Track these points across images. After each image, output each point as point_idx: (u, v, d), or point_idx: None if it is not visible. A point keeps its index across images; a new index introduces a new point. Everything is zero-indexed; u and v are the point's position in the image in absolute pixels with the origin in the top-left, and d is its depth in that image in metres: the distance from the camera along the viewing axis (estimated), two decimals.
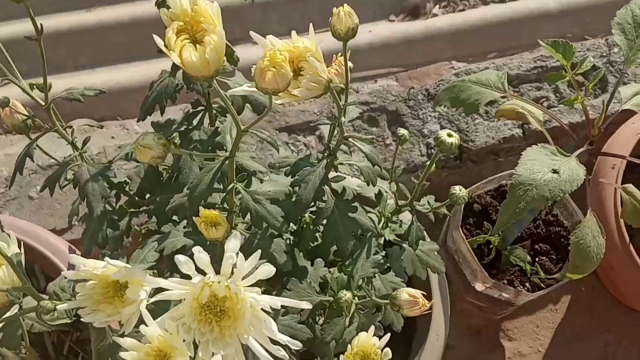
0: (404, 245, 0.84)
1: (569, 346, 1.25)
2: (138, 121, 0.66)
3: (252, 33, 0.47)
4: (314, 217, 0.73)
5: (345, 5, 0.54)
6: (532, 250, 1.11)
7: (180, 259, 0.45)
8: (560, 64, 1.31)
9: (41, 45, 0.60)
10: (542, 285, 1.06)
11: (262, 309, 0.46)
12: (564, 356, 1.24)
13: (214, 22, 0.43)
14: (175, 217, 0.73)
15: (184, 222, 0.73)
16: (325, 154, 0.64)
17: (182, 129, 0.69)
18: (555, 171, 0.70)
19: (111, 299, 0.47)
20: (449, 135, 0.62)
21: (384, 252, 0.86)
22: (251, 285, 0.47)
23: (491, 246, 1.09)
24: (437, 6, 1.94)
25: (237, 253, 0.45)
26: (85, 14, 1.87)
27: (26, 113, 0.78)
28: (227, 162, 0.56)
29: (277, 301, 0.46)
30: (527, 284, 1.07)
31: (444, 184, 1.30)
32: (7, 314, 0.52)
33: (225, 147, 0.64)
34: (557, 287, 1.01)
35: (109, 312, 0.46)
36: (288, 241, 0.84)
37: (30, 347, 0.67)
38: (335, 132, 0.73)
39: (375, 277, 0.82)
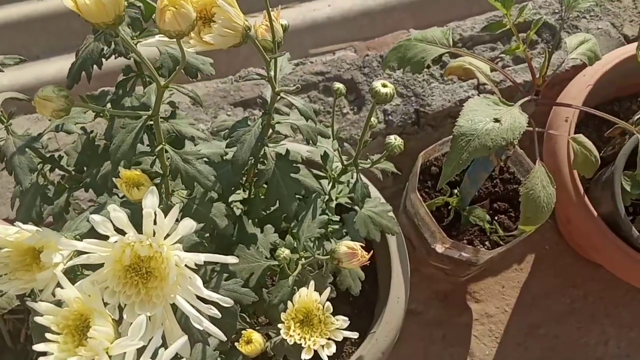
0: (357, 208, 0.83)
1: (535, 304, 1.26)
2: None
3: None
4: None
5: None
6: (491, 209, 1.11)
7: (95, 218, 0.43)
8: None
9: None
10: (502, 242, 1.06)
11: (186, 265, 0.45)
12: (531, 314, 1.25)
13: None
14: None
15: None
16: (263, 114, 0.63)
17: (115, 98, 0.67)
18: (497, 120, 0.70)
19: (29, 266, 0.45)
20: (384, 86, 0.61)
21: (339, 217, 0.85)
22: (174, 243, 0.45)
23: (450, 207, 1.09)
24: None
25: (156, 210, 0.44)
26: (37, 4, 1.82)
27: None
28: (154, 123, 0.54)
29: (200, 257, 0.44)
30: (487, 243, 1.07)
31: (405, 149, 1.30)
32: None
33: (151, 106, 0.62)
34: (515, 242, 1.01)
35: (26, 280, 0.44)
36: (238, 210, 0.82)
37: None
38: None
39: (331, 241, 0.82)
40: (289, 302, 0.57)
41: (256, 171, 0.67)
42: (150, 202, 0.44)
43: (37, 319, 0.41)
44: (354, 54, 1.51)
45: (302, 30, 1.63)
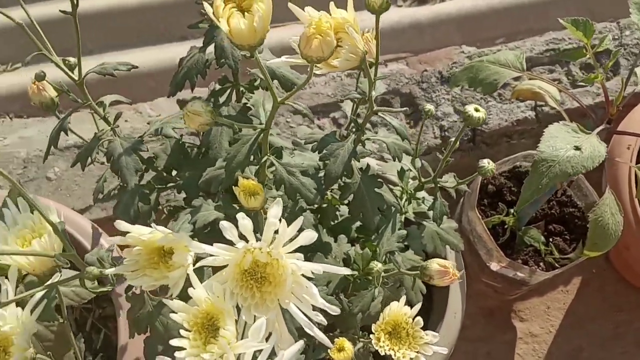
0: (425, 223, 0.85)
1: (580, 327, 1.27)
2: (168, 96, 0.67)
3: (290, 5, 0.48)
4: (336, 194, 0.75)
5: None
6: (546, 231, 1.13)
7: (224, 224, 0.46)
8: (572, 46, 1.33)
9: (76, 20, 0.61)
10: (557, 265, 1.07)
11: (303, 274, 0.47)
12: (575, 337, 1.25)
13: None
14: (201, 193, 0.74)
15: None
16: (353, 129, 0.65)
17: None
18: (577, 148, 0.71)
19: (156, 264, 0.48)
20: (476, 110, 0.63)
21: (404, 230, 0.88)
22: (292, 252, 0.48)
23: (506, 227, 1.11)
24: None
25: (280, 219, 0.46)
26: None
27: (54, 92, 0.79)
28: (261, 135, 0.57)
29: (319, 267, 0.47)
30: (541, 264, 1.09)
31: (459, 165, 1.31)
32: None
33: (259, 120, 0.64)
34: (572, 266, 1.02)
35: (156, 277, 0.47)
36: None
37: (67, 320, 0.67)
38: (357, 109, 0.74)
39: (396, 253, 0.84)
40: (381, 314, 0.59)
41: (342, 184, 0.70)
42: (275, 212, 0.47)
43: (172, 316, 0.44)
44: (407, 67, 1.53)
45: None
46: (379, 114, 0.62)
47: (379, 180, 0.70)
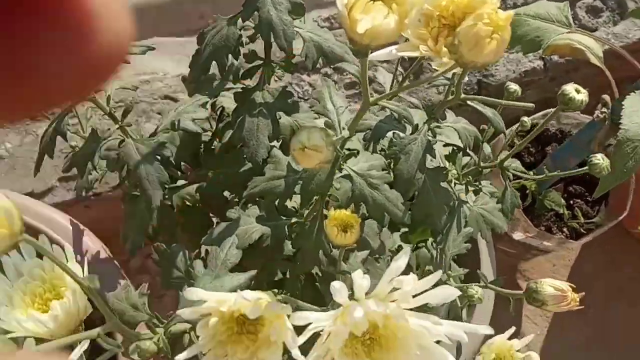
0: (467, 206, 0.76)
1: (586, 283, 1.23)
2: (191, 82, 0.52)
3: None
4: None
5: None
6: (565, 192, 1.06)
7: (335, 285, 0.34)
8: None
9: None
10: (582, 230, 1.01)
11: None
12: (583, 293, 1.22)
13: None
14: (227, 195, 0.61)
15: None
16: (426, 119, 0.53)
17: (237, 87, 0.56)
18: None
19: (237, 336, 0.36)
20: (577, 91, 0.51)
21: None
22: (414, 310, 0.37)
23: (527, 191, 1.03)
24: None
25: (408, 273, 0.35)
26: None
27: None
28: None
29: (460, 332, 0.36)
30: (564, 230, 1.02)
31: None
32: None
33: (328, 118, 0.51)
34: (600, 232, 0.97)
35: (241, 357, 0.35)
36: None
37: None
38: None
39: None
40: (483, 346, 0.50)
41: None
42: (401, 264, 0.35)
43: None
44: None
45: None
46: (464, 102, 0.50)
47: (444, 172, 0.59)
